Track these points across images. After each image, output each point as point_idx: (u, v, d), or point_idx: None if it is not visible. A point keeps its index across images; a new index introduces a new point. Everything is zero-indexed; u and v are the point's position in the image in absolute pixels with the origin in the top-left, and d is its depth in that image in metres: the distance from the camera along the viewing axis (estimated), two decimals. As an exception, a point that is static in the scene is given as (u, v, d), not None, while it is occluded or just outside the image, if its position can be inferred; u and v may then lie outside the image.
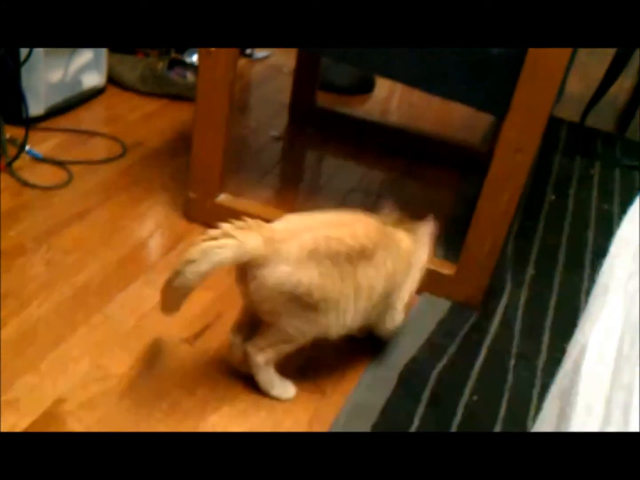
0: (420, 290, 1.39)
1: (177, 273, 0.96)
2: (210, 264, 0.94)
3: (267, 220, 1.07)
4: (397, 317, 1.21)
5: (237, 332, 1.12)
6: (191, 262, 0.94)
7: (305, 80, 2.03)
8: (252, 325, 1.10)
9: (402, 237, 1.19)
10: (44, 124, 1.74)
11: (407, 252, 1.18)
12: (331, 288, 1.02)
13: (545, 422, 0.57)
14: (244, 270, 1.00)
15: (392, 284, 1.13)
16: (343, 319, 1.07)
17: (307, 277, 1.00)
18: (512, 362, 1.29)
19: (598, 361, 0.51)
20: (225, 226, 0.96)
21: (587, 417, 0.47)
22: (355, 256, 1.04)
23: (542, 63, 1.17)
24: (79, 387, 1.07)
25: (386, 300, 1.15)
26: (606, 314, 0.54)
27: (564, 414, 0.51)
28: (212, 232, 0.95)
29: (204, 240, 0.94)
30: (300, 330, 1.07)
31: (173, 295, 1.00)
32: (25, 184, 1.51)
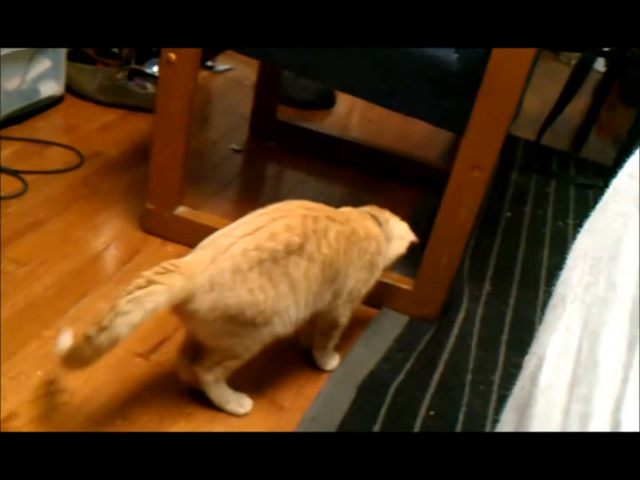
0: (378, 305, 1.40)
1: (102, 328, 0.90)
2: (143, 312, 0.91)
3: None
4: (343, 308, 1.18)
5: (183, 355, 1.11)
6: (122, 314, 0.90)
7: (267, 93, 2.03)
8: (197, 346, 1.08)
9: (360, 224, 1.18)
10: (-1, 133, 1.71)
11: (363, 236, 1.16)
12: (263, 299, 1.01)
13: None
14: (177, 308, 0.99)
15: (333, 270, 1.10)
16: (287, 318, 1.05)
17: (234, 298, 0.99)
18: (469, 376, 1.30)
19: (555, 372, 0.51)
20: (147, 274, 0.94)
21: (544, 429, 0.48)
22: (280, 256, 1.02)
23: (500, 81, 1.19)
24: (30, 402, 1.04)
25: (332, 285, 1.12)
26: (563, 326, 0.55)
27: (520, 426, 0.51)
28: (136, 281, 0.93)
29: (129, 291, 0.92)
30: (245, 346, 1.06)
31: (91, 352, 0.92)
32: (-22, 193, 1.48)
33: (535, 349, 0.58)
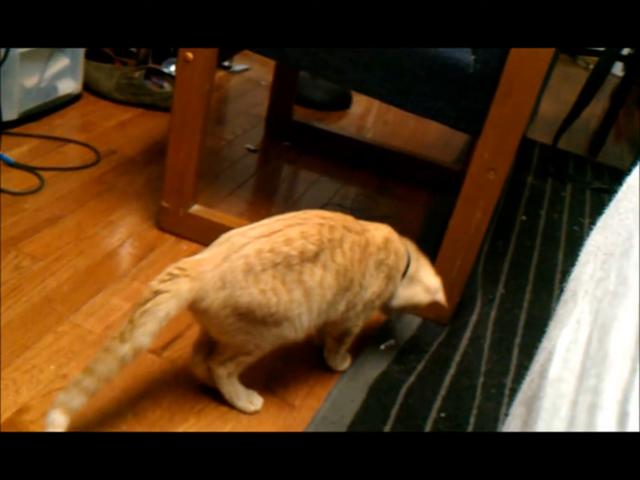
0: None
1: (124, 340, 0.92)
2: (157, 321, 0.94)
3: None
4: (355, 318, 1.17)
5: (198, 351, 1.11)
6: (139, 326, 0.93)
7: (283, 94, 2.04)
8: (211, 342, 1.09)
9: (372, 235, 1.16)
10: (17, 129, 1.72)
11: (375, 249, 1.15)
12: (275, 301, 1.01)
13: (510, 429, 0.57)
14: (190, 308, 1.00)
15: (347, 279, 1.09)
16: (299, 324, 1.06)
17: (246, 297, 0.99)
18: (481, 379, 1.29)
19: (564, 365, 0.51)
20: (152, 284, 0.95)
21: (552, 421, 0.47)
22: (295, 262, 1.02)
23: (517, 83, 1.18)
24: (43, 395, 1.05)
25: (345, 295, 1.11)
26: (574, 319, 0.54)
27: (529, 418, 0.51)
28: (144, 294, 0.95)
29: (141, 303, 0.94)
30: (256, 343, 1.06)
31: (116, 363, 0.93)
32: (-4, 188, 1.49)
33: (545, 343, 0.58)
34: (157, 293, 0.94)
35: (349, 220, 1.13)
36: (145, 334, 0.93)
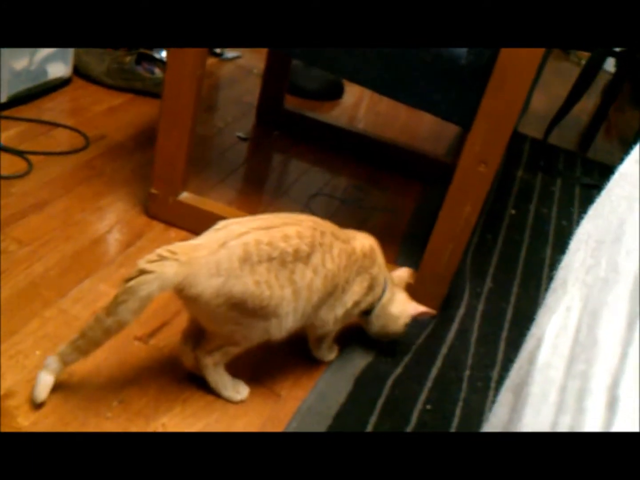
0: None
1: (108, 313, 0.96)
2: (139, 300, 0.95)
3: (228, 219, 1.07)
4: (334, 322, 1.17)
5: (187, 340, 1.11)
6: (121, 302, 0.95)
7: (275, 82, 2.02)
8: (200, 331, 1.09)
9: (359, 243, 1.18)
10: (5, 112, 1.70)
11: (360, 256, 1.16)
12: (268, 294, 1.01)
13: (497, 416, 0.57)
14: (178, 293, 0.99)
15: (333, 285, 1.11)
16: (285, 323, 1.06)
17: (240, 285, 0.99)
18: (467, 372, 1.30)
19: (553, 351, 0.51)
20: (140, 262, 0.96)
21: (540, 406, 0.47)
22: (289, 259, 1.03)
23: (509, 76, 1.18)
24: (27, 381, 1.04)
25: (328, 300, 1.12)
26: (563, 306, 0.54)
27: (517, 405, 0.51)
28: (131, 271, 0.95)
29: (126, 280, 0.95)
30: (244, 335, 1.07)
31: (101, 333, 0.97)
32: (-17, 172, 1.48)
33: (534, 330, 0.58)
34: (142, 272, 0.94)
35: (336, 228, 1.15)
36: (127, 311, 0.95)
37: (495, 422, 0.57)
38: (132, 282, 0.94)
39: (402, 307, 1.25)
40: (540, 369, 0.50)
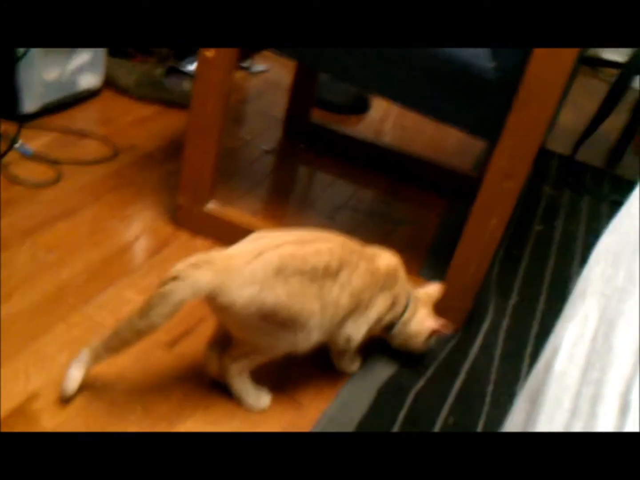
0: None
1: (141, 316, 0.97)
2: (170, 305, 0.96)
3: (254, 231, 1.07)
4: (352, 338, 1.17)
5: (213, 347, 1.12)
6: (154, 307, 0.96)
7: (302, 96, 2.04)
8: (226, 338, 1.10)
9: (383, 262, 1.18)
10: (37, 122, 1.73)
11: (384, 274, 1.17)
12: (299, 307, 1.02)
13: (513, 422, 0.57)
14: (210, 300, 1.00)
15: (357, 301, 1.12)
16: (311, 336, 1.07)
17: (273, 296, 0.99)
18: (490, 387, 1.29)
19: (569, 360, 0.51)
20: (175, 269, 0.97)
21: (555, 412, 0.47)
22: (318, 275, 1.04)
23: (536, 91, 1.18)
24: (53, 384, 1.06)
25: (351, 316, 1.13)
26: (581, 316, 0.54)
27: (532, 411, 0.51)
28: (165, 276, 0.96)
29: (160, 285, 0.96)
30: (270, 345, 1.07)
31: (131, 334, 0.99)
32: (14, 179, 1.50)
33: (552, 339, 0.58)
34: (176, 278, 0.95)
35: (362, 247, 1.16)
36: (158, 315, 0.96)
37: (511, 428, 0.57)
38: (165, 287, 0.95)
39: (421, 325, 1.25)
40: (556, 376, 0.50)
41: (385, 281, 1.17)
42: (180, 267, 0.97)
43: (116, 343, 1.00)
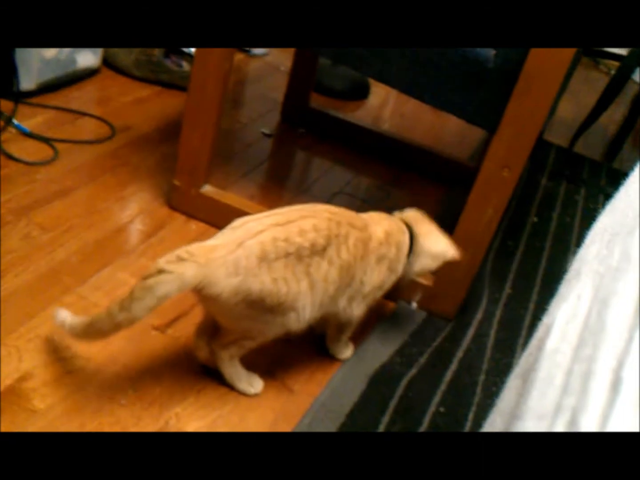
0: (396, 298, 1.40)
1: (122, 308, 0.95)
2: (155, 299, 0.95)
3: (248, 214, 1.07)
4: (356, 309, 1.18)
5: (201, 334, 1.12)
6: (137, 299, 0.95)
7: (301, 80, 2.03)
8: (215, 325, 1.10)
9: (375, 230, 1.17)
10: (34, 100, 1.72)
11: (377, 245, 1.16)
12: (285, 291, 1.01)
13: (504, 400, 0.57)
14: (196, 292, 0.99)
15: (349, 274, 1.11)
16: (302, 315, 1.07)
17: (258, 284, 0.99)
18: (482, 377, 1.29)
19: (562, 337, 0.51)
20: (159, 262, 0.96)
21: (546, 388, 0.48)
22: (306, 253, 1.03)
23: (536, 81, 1.17)
24: (45, 365, 1.06)
25: (346, 290, 1.13)
26: (574, 295, 0.55)
27: (524, 390, 0.51)
28: (149, 269, 0.95)
29: (145, 278, 0.95)
30: (260, 330, 1.07)
31: (110, 326, 0.97)
32: (10, 157, 1.49)
33: (545, 319, 0.58)
34: (160, 272, 0.95)
35: (352, 216, 1.14)
36: (142, 308, 0.95)
37: (502, 406, 0.57)
38: (150, 280, 0.94)
39: (437, 245, 1.26)
40: (548, 354, 0.50)
41: (379, 251, 1.16)
42: (164, 260, 0.96)
43: (92, 331, 1.00)
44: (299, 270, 1.03)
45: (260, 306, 1.01)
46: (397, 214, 1.27)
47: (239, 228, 1.03)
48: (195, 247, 0.99)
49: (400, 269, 1.22)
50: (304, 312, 1.06)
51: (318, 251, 1.05)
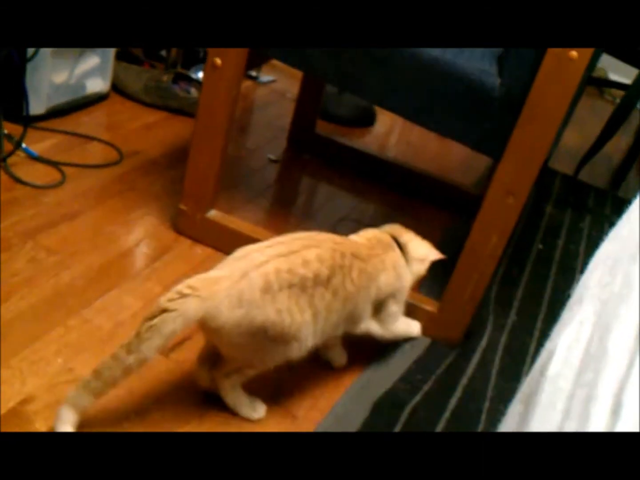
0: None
1: (130, 351, 0.94)
2: (162, 338, 0.95)
3: (255, 240, 1.07)
4: (393, 325, 1.25)
5: (203, 362, 1.12)
6: (145, 340, 0.94)
7: (308, 107, 2.05)
8: (216, 353, 1.09)
9: (381, 256, 1.20)
10: (43, 124, 1.74)
11: (388, 268, 1.19)
12: (289, 322, 1.02)
13: (506, 425, 0.57)
14: (200, 324, 1.00)
15: (353, 304, 1.13)
16: (305, 345, 1.07)
17: (262, 315, 0.99)
18: (487, 404, 1.28)
19: (564, 363, 0.51)
20: (161, 301, 0.95)
21: (548, 414, 0.47)
22: (309, 284, 1.03)
23: (541, 109, 1.18)
24: (48, 387, 1.06)
25: (349, 319, 1.15)
26: (577, 321, 0.55)
27: (526, 414, 0.51)
28: (152, 309, 0.95)
29: (147, 319, 0.95)
30: (262, 359, 1.08)
31: (120, 371, 0.95)
32: (18, 180, 1.51)
33: (547, 344, 0.58)
34: (164, 311, 0.95)
35: (356, 246, 1.16)
36: (150, 348, 0.95)
37: (504, 430, 0.57)
38: (155, 321, 0.94)
39: (419, 250, 1.30)
40: (550, 379, 0.50)
41: (382, 275, 1.19)
42: (166, 299, 0.96)
43: (100, 386, 0.95)
44: (302, 301, 1.03)
45: (263, 336, 1.01)
46: (378, 230, 1.29)
47: (242, 259, 1.03)
48: (198, 280, 0.98)
49: (405, 287, 1.26)
50: (306, 341, 1.07)
51: (322, 281, 1.05)
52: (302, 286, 1.02)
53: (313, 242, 1.09)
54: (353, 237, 1.23)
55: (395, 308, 1.25)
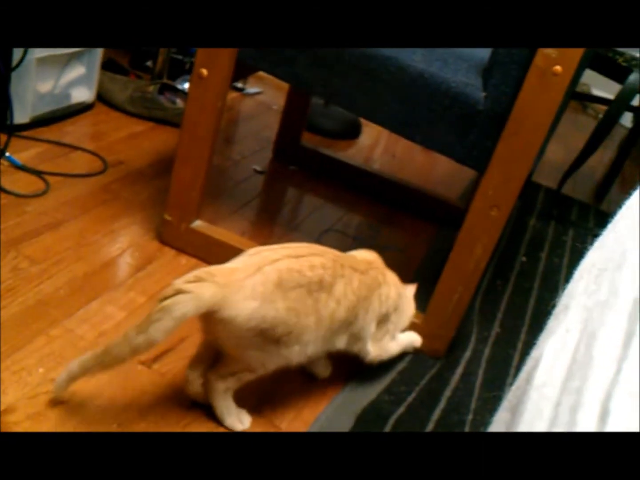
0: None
1: (140, 331, 0.95)
2: (173, 320, 0.94)
3: (239, 251, 1.07)
4: (387, 346, 1.26)
5: (195, 367, 1.11)
6: (155, 320, 0.94)
7: (293, 119, 2.05)
8: (212, 357, 1.09)
9: (380, 271, 1.22)
10: (27, 133, 1.73)
11: (374, 282, 1.19)
12: (295, 322, 1.02)
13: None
14: (208, 315, 0.99)
15: (354, 314, 1.13)
16: (305, 350, 1.07)
17: (273, 311, 1.00)
18: (470, 416, 1.28)
19: (550, 371, 0.51)
20: (177, 282, 0.96)
21: (534, 421, 0.48)
22: (315, 288, 1.04)
23: (525, 123, 1.19)
24: (29, 398, 1.04)
25: (350, 329, 1.15)
26: (563, 329, 0.55)
27: (512, 422, 0.51)
28: (167, 290, 0.95)
29: (161, 299, 0.95)
30: (262, 361, 1.07)
31: (128, 350, 0.96)
32: (1, 189, 1.49)
33: (533, 353, 0.58)
34: (178, 292, 0.94)
35: (355, 260, 1.18)
36: (159, 329, 0.94)
37: None
38: (168, 301, 0.94)
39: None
40: (536, 387, 0.51)
41: (383, 288, 1.21)
42: (182, 280, 0.96)
43: (108, 359, 0.98)
44: (308, 304, 1.04)
45: (269, 335, 1.01)
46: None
47: (255, 255, 1.04)
48: (215, 268, 0.99)
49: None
50: (307, 347, 1.07)
51: (325, 287, 1.06)
52: (308, 289, 1.04)
53: (316, 250, 1.11)
54: (352, 253, 1.24)
55: (392, 327, 1.27)
